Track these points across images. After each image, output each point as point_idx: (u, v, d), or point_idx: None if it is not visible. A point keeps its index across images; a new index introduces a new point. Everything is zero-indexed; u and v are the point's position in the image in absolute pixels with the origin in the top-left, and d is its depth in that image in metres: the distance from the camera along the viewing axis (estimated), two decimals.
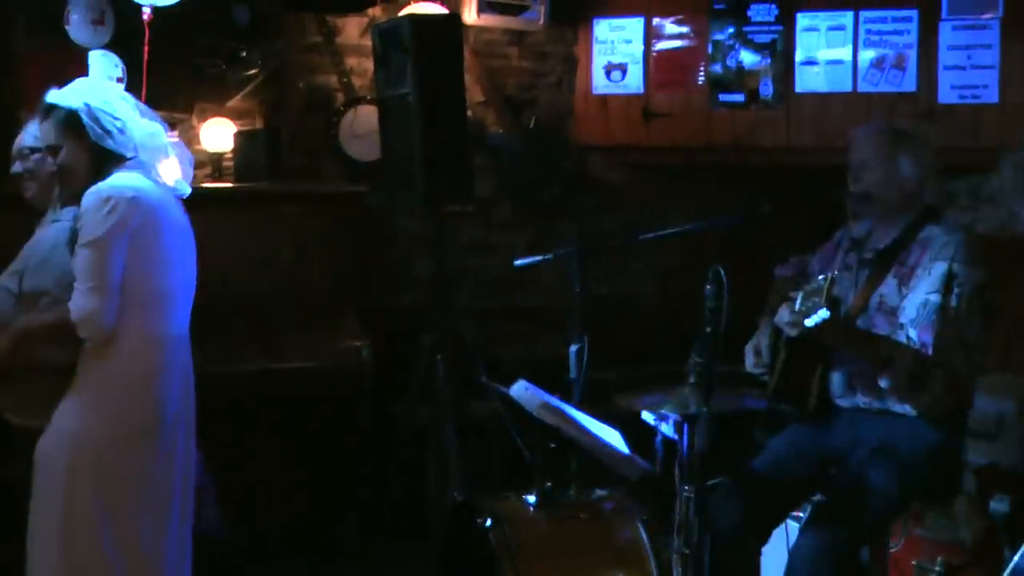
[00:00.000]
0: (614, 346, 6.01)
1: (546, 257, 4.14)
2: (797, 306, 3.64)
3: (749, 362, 4.10)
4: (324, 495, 5.34)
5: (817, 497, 4.14)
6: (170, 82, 5.67)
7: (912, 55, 6.07)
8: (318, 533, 5.32)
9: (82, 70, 5.15)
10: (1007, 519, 4.76)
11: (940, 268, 3.83)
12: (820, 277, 3.71)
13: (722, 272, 3.30)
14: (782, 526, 4.23)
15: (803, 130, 6.17)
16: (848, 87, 6.14)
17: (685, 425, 3.44)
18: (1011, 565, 3.76)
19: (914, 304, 3.83)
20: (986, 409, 5.09)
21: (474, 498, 3.84)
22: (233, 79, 5.82)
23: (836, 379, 4.04)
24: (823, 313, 3.52)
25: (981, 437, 5.15)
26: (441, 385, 4.99)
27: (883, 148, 4.01)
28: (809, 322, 3.54)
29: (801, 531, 3.85)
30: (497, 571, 3.52)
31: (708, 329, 3.34)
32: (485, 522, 3.60)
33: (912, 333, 3.78)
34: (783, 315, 3.70)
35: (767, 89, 6.21)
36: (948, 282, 3.81)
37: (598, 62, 6.40)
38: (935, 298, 3.79)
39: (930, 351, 3.75)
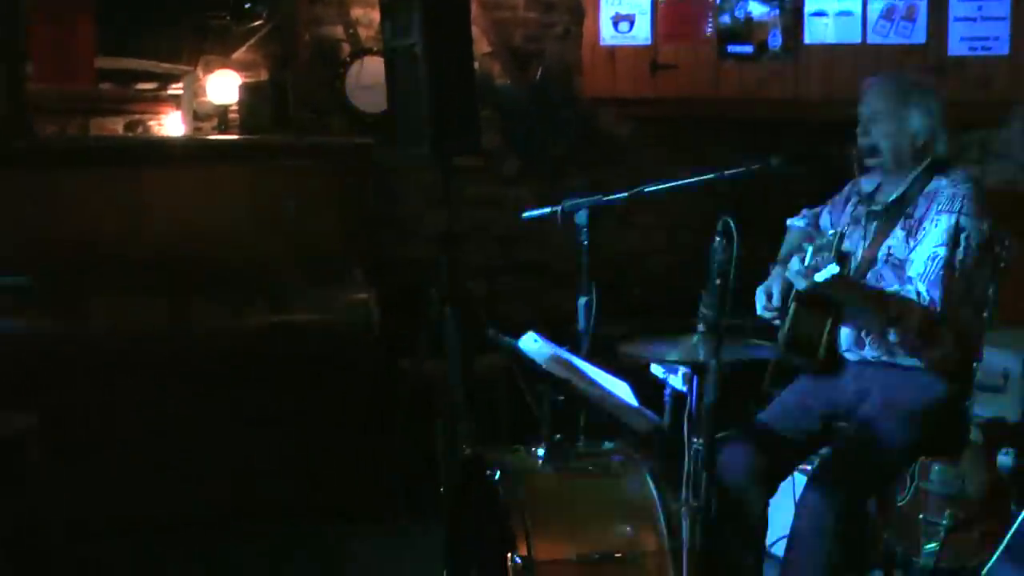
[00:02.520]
0: (622, 301, 6.05)
1: (555, 209, 4.14)
2: (807, 260, 3.65)
3: (760, 304, 4.09)
4: (331, 450, 5.36)
5: (824, 451, 4.18)
6: (175, 34, 5.69)
7: (922, 6, 6.05)
8: (325, 489, 5.34)
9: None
10: (1014, 472, 4.80)
11: (947, 221, 3.83)
12: (829, 232, 3.71)
13: (732, 223, 3.32)
14: (790, 479, 4.28)
15: (812, 82, 6.16)
16: (857, 39, 6.13)
17: (694, 377, 3.47)
18: (1020, 519, 3.79)
19: (922, 257, 3.83)
20: (992, 363, 5.11)
21: (483, 451, 3.86)
22: (238, 31, 5.83)
23: (845, 332, 4.05)
24: (832, 268, 3.52)
25: (988, 391, 5.18)
26: (449, 339, 5.01)
27: (893, 100, 3.99)
28: (819, 276, 3.55)
29: (807, 484, 3.86)
30: (506, 523, 3.53)
31: (717, 281, 3.35)
32: (494, 475, 3.62)
33: (921, 287, 3.78)
34: (793, 267, 3.72)
35: (775, 40, 6.19)
36: (955, 235, 3.81)
37: (605, 12, 6.38)
38: (943, 252, 3.80)
39: (939, 306, 3.76)
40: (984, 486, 4.61)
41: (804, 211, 4.45)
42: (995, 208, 4.04)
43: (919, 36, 6.05)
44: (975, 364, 4.16)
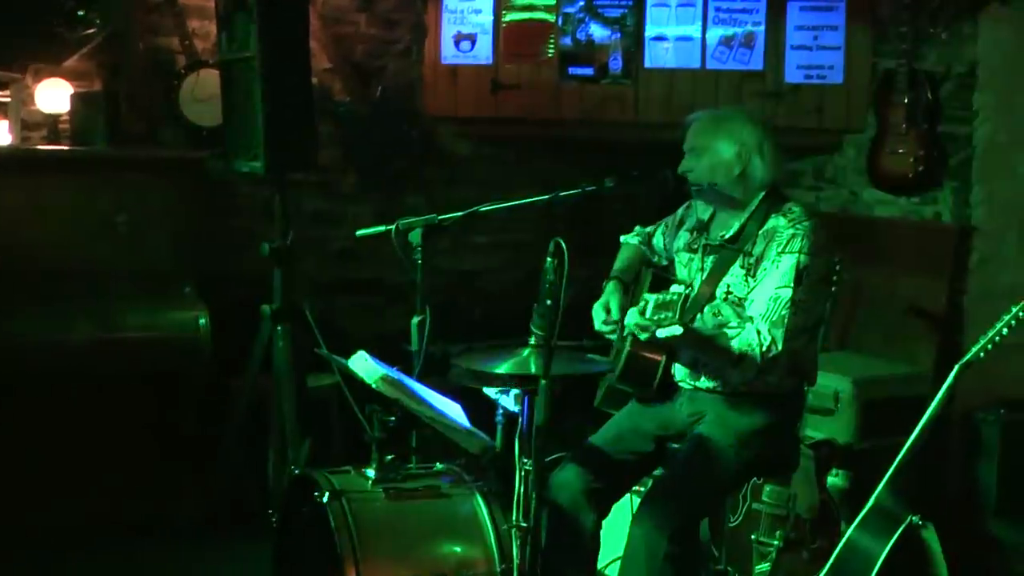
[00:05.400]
0: (460, 321, 6.02)
1: (389, 228, 4.10)
2: (648, 313, 3.57)
3: (598, 319, 4.08)
4: (159, 472, 5.25)
5: (657, 472, 4.18)
6: (4, 40, 5.51)
7: (760, 34, 6.16)
8: (153, 513, 5.22)
9: None
10: (843, 493, 4.88)
11: (789, 262, 3.84)
12: (673, 288, 3.62)
13: (563, 243, 3.30)
14: (625, 501, 4.27)
15: (651, 106, 6.22)
16: (697, 64, 6.22)
17: (525, 398, 3.44)
18: (845, 537, 3.84)
19: (763, 297, 3.84)
20: (824, 386, 5.20)
21: (312, 472, 3.80)
22: (71, 39, 5.65)
23: (680, 364, 4.07)
24: (675, 330, 3.44)
25: (819, 413, 5.27)
26: (281, 358, 4.94)
27: (705, 134, 4.04)
28: (661, 333, 3.49)
29: (640, 505, 3.88)
30: (334, 546, 3.49)
31: (548, 302, 3.33)
32: (322, 496, 3.56)
33: (762, 327, 3.79)
34: (632, 318, 3.67)
35: (616, 64, 6.25)
36: (798, 276, 3.83)
37: (447, 31, 6.36)
38: (786, 293, 3.81)
39: (780, 346, 3.77)
40: (815, 507, 4.66)
41: (637, 228, 4.46)
42: (829, 233, 4.09)
43: (757, 63, 6.16)
44: (806, 388, 4.20)
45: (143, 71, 5.89)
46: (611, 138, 6.32)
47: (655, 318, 3.48)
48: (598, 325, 4.11)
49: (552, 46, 6.30)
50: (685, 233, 4.22)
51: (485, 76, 6.34)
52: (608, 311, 4.09)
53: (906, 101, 5.72)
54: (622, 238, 4.46)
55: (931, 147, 5.73)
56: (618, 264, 4.34)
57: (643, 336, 3.58)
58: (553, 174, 6.30)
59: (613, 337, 4.12)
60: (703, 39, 6.20)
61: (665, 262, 4.34)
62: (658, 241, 4.37)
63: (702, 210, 4.17)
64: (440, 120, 6.52)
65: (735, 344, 3.79)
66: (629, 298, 4.13)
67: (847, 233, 5.96)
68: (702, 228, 4.14)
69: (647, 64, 6.25)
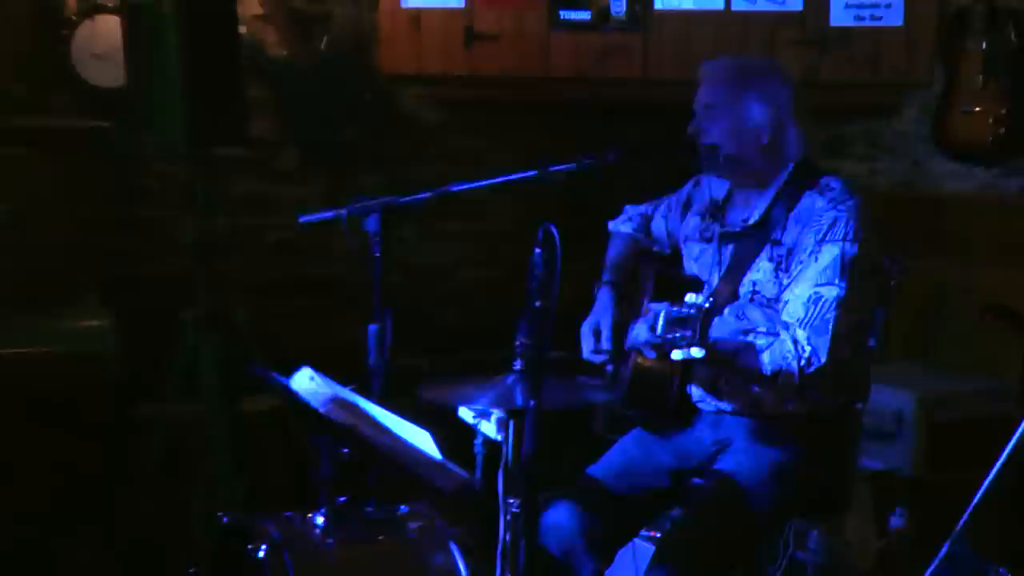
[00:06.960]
0: (427, 327, 6.06)
1: (339, 213, 4.12)
2: (659, 329, 3.57)
3: (587, 346, 4.12)
4: (57, 520, 5.27)
5: (675, 512, 4.22)
6: None
7: None
8: (47, 568, 5.25)
9: None
10: (908, 537, 4.92)
11: (831, 253, 3.86)
12: (688, 300, 3.61)
13: (554, 232, 3.32)
14: (631, 546, 4.31)
15: (663, 58, 6.24)
16: (720, 5, 6.23)
17: (511, 423, 3.47)
18: None
19: (800, 299, 3.85)
20: (883, 404, 5.23)
21: (246, 519, 3.83)
22: None
23: (697, 383, 4.12)
24: (696, 353, 3.41)
25: (877, 438, 5.30)
26: (208, 377, 4.96)
27: (729, 89, 4.03)
28: (677, 356, 3.49)
29: (655, 555, 3.91)
30: None
31: (537, 304, 3.36)
32: (257, 549, 3.59)
33: (801, 335, 3.81)
34: (640, 335, 3.68)
35: (619, 6, 6.27)
36: (843, 269, 3.84)
37: None
38: (829, 291, 3.83)
39: (823, 357, 3.79)
40: (873, 554, 4.71)
41: (627, 209, 4.48)
42: (887, 216, 4.11)
43: (795, 3, 6.16)
44: (860, 405, 4.23)
45: (22, 18, 5.91)
46: (613, 99, 6.35)
47: (669, 337, 3.46)
48: (587, 353, 4.14)
49: None
50: (695, 217, 4.25)
51: (456, 23, 6.35)
52: (599, 336, 4.12)
53: (984, 47, 5.76)
54: (610, 225, 4.49)
55: (1016, 104, 5.76)
56: (609, 263, 4.36)
57: (654, 355, 3.60)
58: (541, 145, 6.34)
59: (608, 368, 4.15)
60: None
61: (668, 251, 4.36)
62: (658, 226, 4.40)
63: (716, 188, 4.20)
64: (400, 79, 6.55)
65: (767, 358, 3.81)
66: (625, 304, 4.16)
67: (911, 213, 6.01)
68: (716, 211, 4.17)
69: (658, 6, 6.27)
